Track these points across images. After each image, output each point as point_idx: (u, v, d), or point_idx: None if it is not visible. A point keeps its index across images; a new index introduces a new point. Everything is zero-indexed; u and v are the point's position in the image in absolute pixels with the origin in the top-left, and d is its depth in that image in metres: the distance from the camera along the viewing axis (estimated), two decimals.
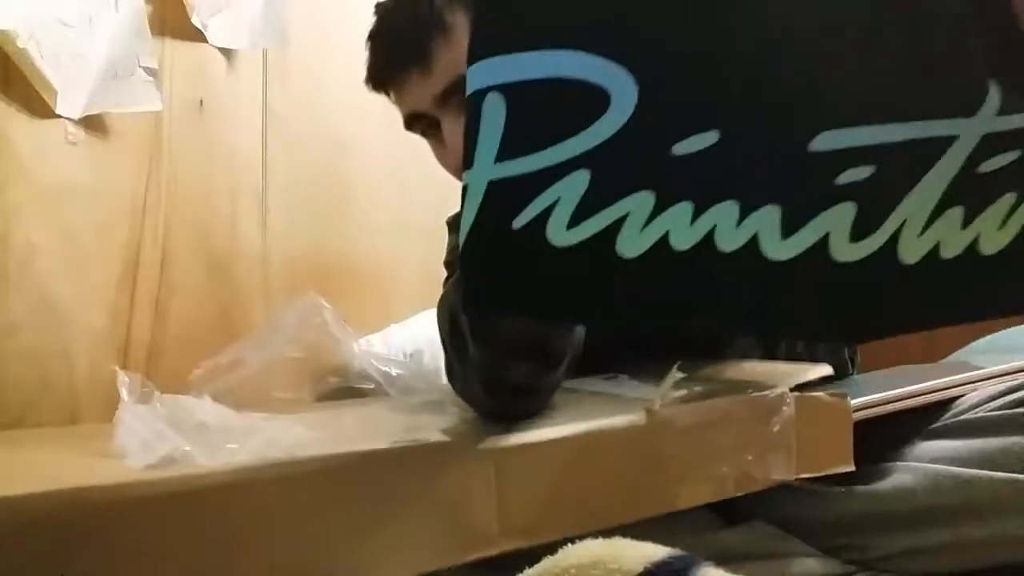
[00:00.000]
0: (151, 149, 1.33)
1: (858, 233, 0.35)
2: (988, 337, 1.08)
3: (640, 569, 0.42)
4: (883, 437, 0.65)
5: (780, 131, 0.34)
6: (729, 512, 0.65)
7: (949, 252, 0.36)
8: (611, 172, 0.34)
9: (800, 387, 0.60)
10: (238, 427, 0.43)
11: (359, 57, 1.65)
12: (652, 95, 0.33)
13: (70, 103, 1.21)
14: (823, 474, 0.60)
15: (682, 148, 0.34)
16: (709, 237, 0.34)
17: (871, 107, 0.34)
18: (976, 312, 0.41)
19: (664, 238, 0.35)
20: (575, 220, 0.34)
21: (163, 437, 0.40)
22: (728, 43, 0.33)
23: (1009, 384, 0.64)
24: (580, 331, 0.62)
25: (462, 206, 0.36)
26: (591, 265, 0.35)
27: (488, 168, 0.34)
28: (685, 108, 0.34)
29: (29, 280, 1.17)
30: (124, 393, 0.44)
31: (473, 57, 0.34)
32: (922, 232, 0.35)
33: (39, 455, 0.55)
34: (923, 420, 0.66)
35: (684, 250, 0.35)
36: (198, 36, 1.39)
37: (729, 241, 0.35)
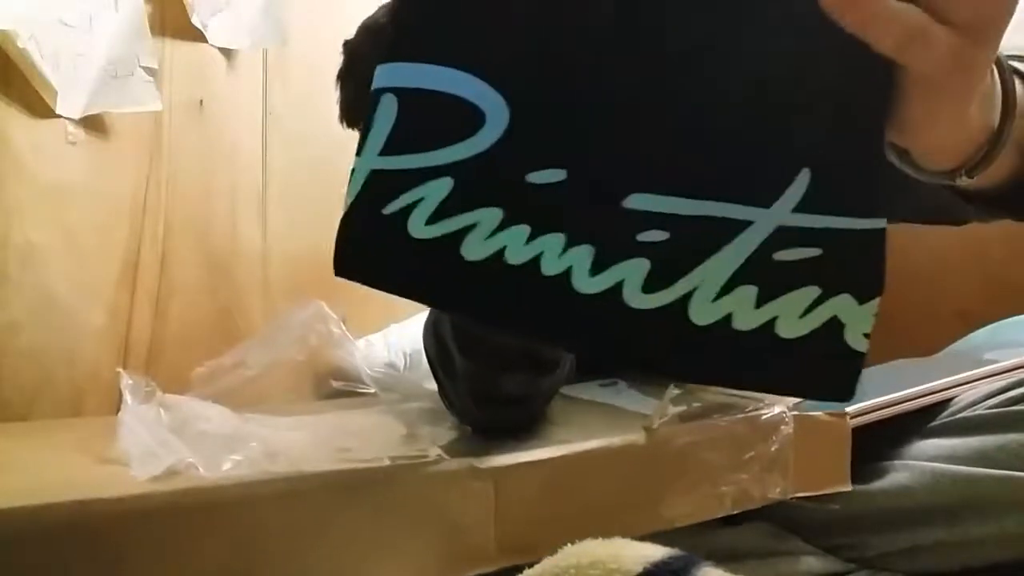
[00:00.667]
0: (151, 149, 1.33)
1: (649, 287, 0.40)
2: (988, 328, 1.08)
3: (639, 569, 0.42)
4: (881, 436, 0.66)
5: (606, 183, 0.40)
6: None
7: (742, 325, 0.40)
8: (471, 184, 0.40)
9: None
10: (239, 434, 0.43)
11: None
12: (521, 126, 0.40)
13: (70, 103, 1.21)
14: (819, 493, 0.60)
15: (535, 178, 0.40)
16: (536, 259, 0.40)
17: (677, 180, 0.39)
18: (763, 383, 0.44)
19: (501, 251, 0.40)
20: (433, 218, 0.40)
21: (166, 446, 0.40)
22: (588, 96, 0.39)
23: (1006, 382, 0.64)
24: None
25: (348, 185, 0.42)
26: (438, 259, 0.41)
27: (373, 158, 0.40)
28: (545, 144, 0.40)
29: (29, 280, 1.17)
30: (127, 395, 0.44)
31: (382, 59, 0.40)
32: (714, 300, 0.39)
33: (43, 455, 0.55)
34: (921, 419, 0.66)
35: (515, 264, 0.40)
36: (198, 36, 1.39)
37: (551, 267, 0.40)
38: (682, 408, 0.55)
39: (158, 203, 1.33)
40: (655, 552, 0.44)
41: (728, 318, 0.40)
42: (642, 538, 0.60)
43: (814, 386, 0.42)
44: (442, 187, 0.40)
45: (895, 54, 0.33)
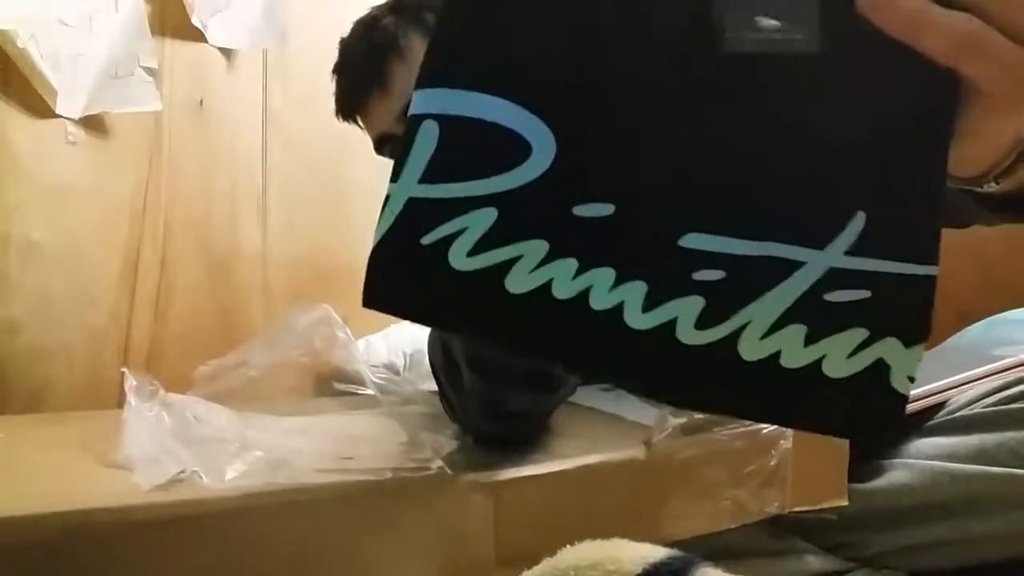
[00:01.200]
0: (151, 149, 1.33)
1: (702, 324, 0.40)
2: (983, 323, 1.07)
3: (638, 570, 0.42)
4: (880, 444, 0.66)
5: (660, 221, 0.39)
6: None
7: (790, 363, 0.40)
8: (516, 216, 0.39)
9: None
10: (242, 441, 0.43)
11: None
12: (568, 159, 0.39)
13: (70, 103, 1.21)
14: (817, 508, 0.60)
15: (581, 211, 0.39)
16: (584, 294, 0.39)
17: (734, 220, 0.39)
18: (805, 420, 0.43)
19: (547, 284, 0.39)
20: (475, 250, 0.39)
21: (171, 453, 0.41)
22: (639, 132, 0.39)
23: (1002, 381, 0.64)
24: None
25: (381, 213, 0.41)
26: (480, 291, 0.40)
27: (411, 186, 0.40)
28: (592, 178, 0.39)
29: (29, 280, 1.17)
30: (131, 396, 0.44)
31: (421, 83, 0.39)
32: (764, 337, 0.40)
33: (45, 455, 0.55)
34: (919, 418, 0.66)
35: (562, 299, 0.40)
36: (198, 36, 1.39)
37: (600, 302, 0.39)
38: (682, 420, 0.55)
39: (158, 203, 1.33)
40: (654, 553, 0.44)
41: (776, 355, 0.40)
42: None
43: (855, 426, 0.41)
44: (486, 218, 0.39)
45: (949, 60, 0.31)
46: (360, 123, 0.76)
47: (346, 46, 0.84)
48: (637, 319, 0.40)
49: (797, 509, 0.59)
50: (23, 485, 0.45)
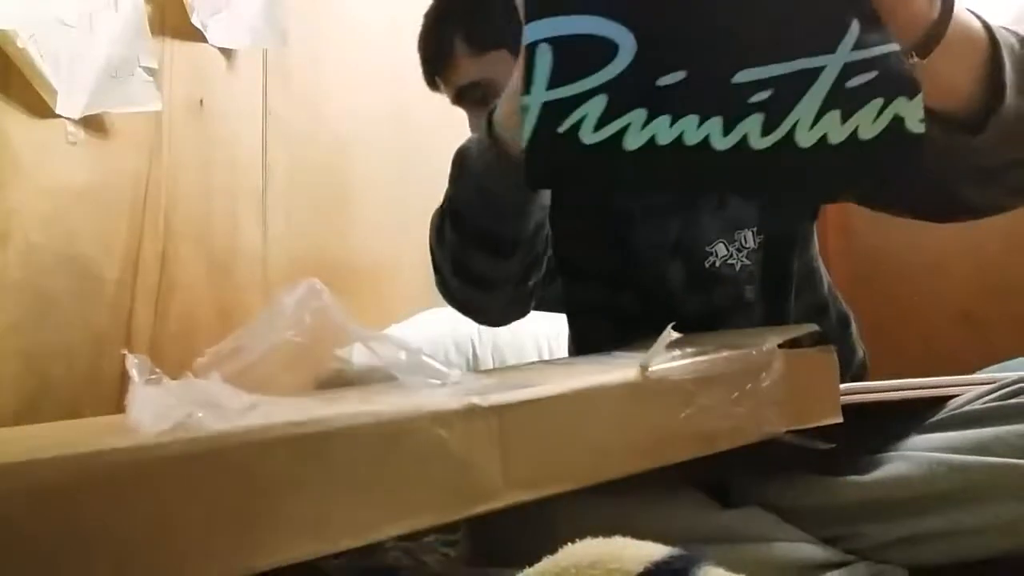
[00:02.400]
0: (151, 149, 1.33)
1: (767, 131, 0.56)
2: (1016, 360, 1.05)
3: (640, 569, 0.42)
4: (878, 434, 0.66)
5: (718, 70, 0.56)
6: (725, 500, 0.66)
7: (835, 139, 0.56)
8: (620, 96, 0.55)
9: (790, 344, 0.61)
10: (248, 400, 0.44)
11: (359, 57, 1.65)
12: (645, 48, 0.55)
13: (70, 103, 1.21)
14: (813, 426, 0.61)
15: (663, 81, 0.56)
16: (680, 137, 0.56)
17: (767, 52, 0.55)
18: (859, 180, 0.61)
19: (652, 138, 0.56)
20: (598, 126, 0.56)
21: (176, 407, 0.41)
22: (689, 14, 0.56)
23: (1000, 383, 0.65)
24: (532, 226, 0.75)
25: (523, 120, 0.56)
26: (608, 155, 0.56)
27: (542, 93, 0.55)
28: (665, 56, 0.56)
29: (29, 280, 1.17)
30: (134, 374, 0.44)
31: (528, 17, 0.55)
32: (812, 127, 0.55)
33: (48, 433, 0.56)
34: (919, 415, 0.66)
35: (665, 144, 0.56)
36: (198, 36, 1.39)
37: (692, 138, 0.56)
38: (676, 352, 0.57)
39: (158, 203, 1.33)
40: (656, 551, 0.44)
41: (824, 137, 0.55)
42: (642, 512, 0.61)
43: (893, 168, 0.57)
44: (600, 103, 0.55)
45: None
46: (442, 81, 0.77)
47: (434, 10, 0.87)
48: (721, 142, 0.56)
49: (794, 428, 0.60)
50: (29, 445, 0.45)
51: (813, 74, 0.54)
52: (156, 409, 0.40)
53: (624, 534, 0.61)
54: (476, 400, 0.46)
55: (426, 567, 0.70)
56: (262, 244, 1.47)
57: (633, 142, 0.56)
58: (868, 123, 0.55)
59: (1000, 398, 0.64)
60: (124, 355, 0.45)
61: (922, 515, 0.60)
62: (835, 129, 0.55)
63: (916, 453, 0.62)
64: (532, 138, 0.56)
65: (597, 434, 0.52)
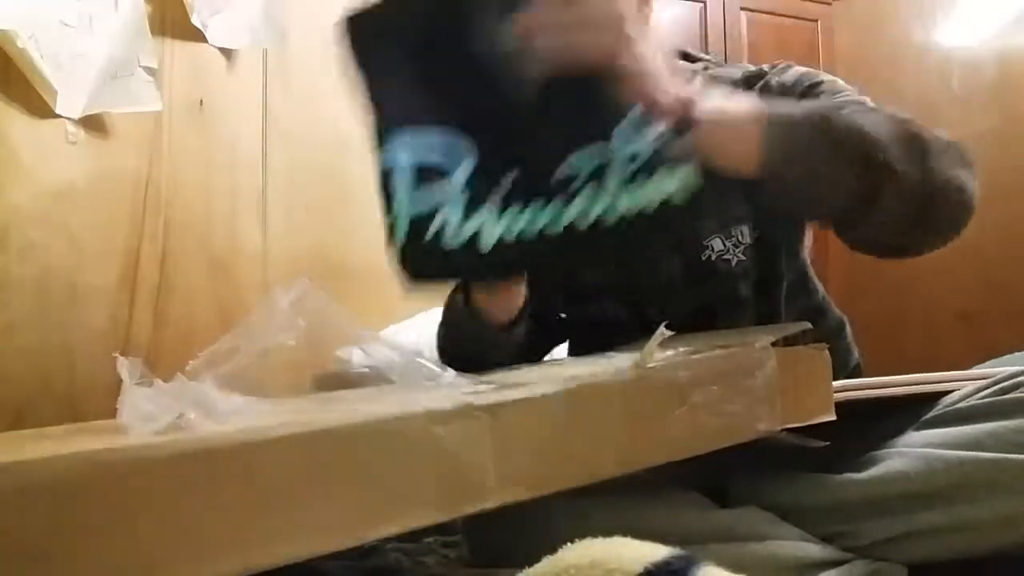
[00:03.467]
0: (151, 149, 1.33)
1: (584, 212, 0.66)
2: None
3: (640, 569, 0.42)
4: (876, 433, 0.66)
5: (541, 166, 0.66)
6: (723, 499, 0.66)
7: (630, 213, 0.65)
8: (471, 199, 0.66)
9: (783, 343, 0.62)
10: (240, 401, 0.44)
11: None
12: (484, 155, 0.66)
13: (70, 103, 1.21)
14: (807, 423, 0.61)
15: (502, 181, 0.66)
16: (524, 228, 0.66)
17: (572, 146, 0.65)
18: (644, 247, 0.76)
19: (502, 233, 0.66)
20: (457, 229, 0.66)
21: (167, 408, 0.41)
22: (516, 124, 0.65)
23: (993, 379, 0.65)
24: (515, 341, 0.79)
25: (391, 234, 0.67)
26: (471, 252, 0.65)
27: (404, 210, 0.66)
28: (502, 160, 0.66)
29: (29, 280, 1.17)
30: (125, 376, 0.44)
31: (376, 149, 0.69)
32: (613, 205, 0.65)
33: (39, 436, 0.56)
34: (914, 412, 0.66)
35: (513, 236, 0.66)
36: (198, 36, 1.39)
37: (532, 227, 0.66)
38: (669, 352, 0.57)
39: (158, 203, 1.33)
40: (656, 552, 0.44)
41: (622, 213, 0.65)
42: (642, 510, 0.61)
43: (667, 237, 0.75)
44: (455, 208, 0.65)
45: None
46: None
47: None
48: (558, 226, 0.65)
49: (788, 426, 0.60)
50: (24, 448, 0.45)
51: (607, 159, 0.65)
52: (147, 411, 0.40)
53: (623, 533, 0.61)
54: (471, 399, 0.46)
55: (426, 568, 0.70)
56: (262, 244, 1.47)
57: (488, 238, 0.65)
58: (647, 196, 0.65)
59: (994, 394, 0.64)
60: (116, 358, 0.45)
61: (919, 511, 0.60)
62: (629, 202, 0.65)
63: (912, 449, 0.63)
64: (402, 248, 0.66)
65: (591, 433, 0.52)
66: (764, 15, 2.17)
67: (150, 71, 1.30)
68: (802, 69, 0.80)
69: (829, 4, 2.27)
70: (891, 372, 0.67)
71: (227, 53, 1.44)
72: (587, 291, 0.86)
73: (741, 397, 0.58)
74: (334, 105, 1.61)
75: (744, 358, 0.58)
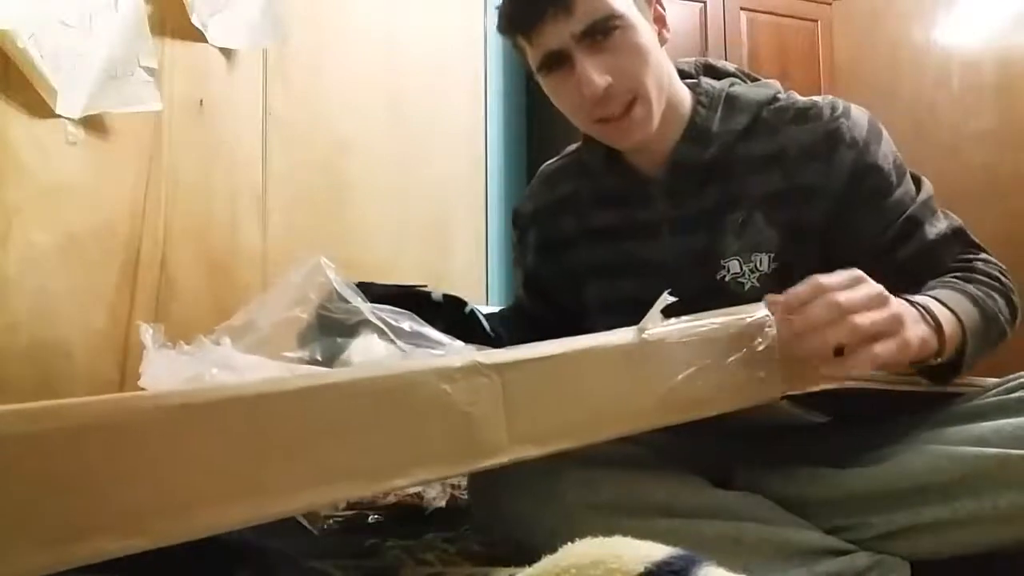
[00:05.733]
0: (151, 149, 1.33)
1: None
2: None
3: (640, 569, 0.42)
4: (883, 430, 0.66)
5: None
6: (728, 488, 0.66)
7: None
8: None
9: None
10: (259, 360, 0.45)
11: (359, 57, 1.65)
12: None
13: (70, 103, 1.21)
14: (808, 391, 0.61)
15: None
16: None
17: None
18: None
19: None
20: None
21: (188, 367, 0.42)
22: None
23: (1002, 380, 0.65)
24: None
25: None
26: None
27: None
28: None
29: (29, 280, 1.17)
30: (148, 340, 0.45)
31: None
32: None
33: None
34: (922, 414, 0.66)
35: None
36: (198, 36, 1.39)
37: None
38: (672, 320, 0.57)
39: (158, 203, 1.33)
40: (656, 552, 0.43)
41: None
42: (645, 489, 0.62)
43: None
44: None
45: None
46: (522, 42, 0.75)
47: None
48: None
49: (789, 393, 0.61)
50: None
51: None
52: (170, 369, 0.41)
53: (631, 506, 0.62)
54: (479, 358, 0.47)
55: (427, 564, 0.70)
56: (262, 244, 1.47)
57: None
58: None
59: (1000, 393, 0.65)
60: (139, 325, 0.47)
61: (923, 505, 0.60)
62: None
63: (918, 445, 0.63)
64: None
65: (597, 393, 0.53)
66: (764, 15, 2.17)
67: (150, 71, 1.30)
68: (864, 125, 0.76)
69: (829, 4, 2.27)
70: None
71: (227, 53, 1.44)
72: (607, 304, 0.85)
73: (742, 363, 0.58)
74: (334, 105, 1.61)
75: (745, 325, 0.59)
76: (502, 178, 1.86)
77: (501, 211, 1.86)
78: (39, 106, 1.18)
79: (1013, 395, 0.63)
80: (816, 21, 2.25)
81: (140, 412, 0.37)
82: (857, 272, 0.59)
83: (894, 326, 0.57)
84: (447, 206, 1.77)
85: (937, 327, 0.62)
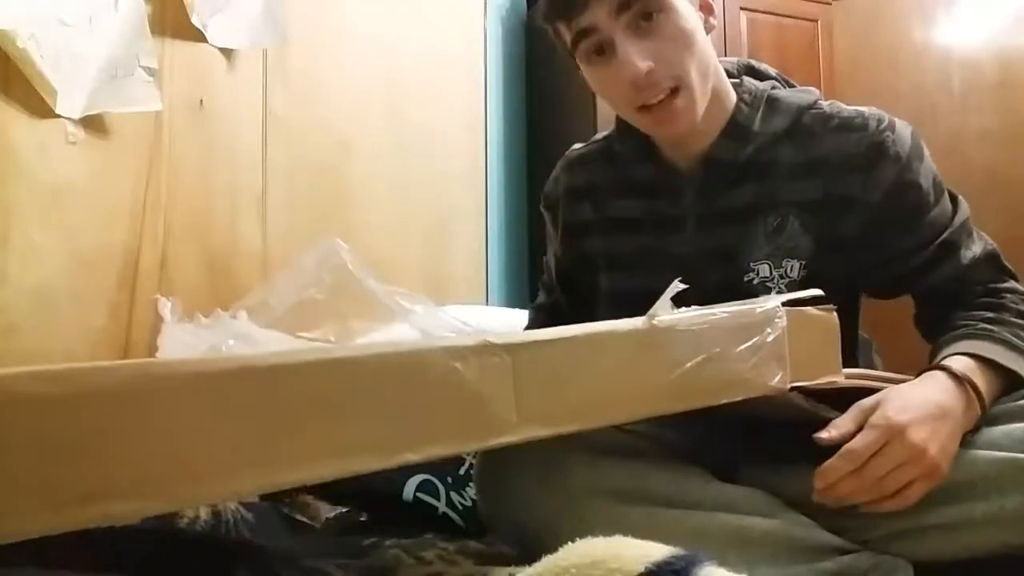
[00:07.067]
0: (151, 149, 1.33)
1: None
2: None
3: (641, 569, 0.42)
4: None
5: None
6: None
7: None
8: None
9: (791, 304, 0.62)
10: (276, 334, 0.45)
11: (359, 57, 1.65)
12: None
13: (70, 103, 1.21)
14: (815, 383, 0.62)
15: None
16: None
17: None
18: None
19: None
20: None
21: (206, 339, 0.43)
22: None
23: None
24: None
25: None
26: None
27: None
28: None
29: (29, 280, 1.17)
30: (167, 314, 0.46)
31: None
32: None
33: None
34: None
35: None
36: (198, 36, 1.39)
37: None
38: (683, 308, 0.58)
39: (158, 203, 1.33)
40: (657, 552, 0.44)
41: None
42: (650, 480, 0.62)
43: None
44: None
45: None
46: (564, 29, 0.74)
47: None
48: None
49: (797, 384, 0.61)
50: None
51: None
52: (189, 341, 0.42)
53: (636, 495, 0.62)
54: (490, 338, 0.48)
55: (426, 564, 0.70)
56: (262, 243, 1.47)
57: None
58: None
59: (1010, 399, 0.65)
60: (157, 299, 0.47)
61: (930, 507, 0.60)
62: None
63: None
64: None
65: (606, 377, 0.53)
66: (764, 15, 2.17)
67: (150, 71, 1.30)
68: (908, 141, 0.75)
69: (829, 4, 2.27)
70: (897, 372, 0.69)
71: (227, 53, 1.44)
72: (621, 295, 0.85)
73: (751, 353, 0.58)
74: (334, 105, 1.61)
75: (755, 315, 0.59)
76: (502, 178, 1.86)
77: (501, 211, 1.86)
78: (39, 106, 1.18)
79: (1021, 402, 0.63)
80: (816, 21, 2.25)
81: (156, 379, 0.37)
82: (891, 420, 0.59)
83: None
84: (447, 206, 1.76)
85: (978, 394, 0.63)
